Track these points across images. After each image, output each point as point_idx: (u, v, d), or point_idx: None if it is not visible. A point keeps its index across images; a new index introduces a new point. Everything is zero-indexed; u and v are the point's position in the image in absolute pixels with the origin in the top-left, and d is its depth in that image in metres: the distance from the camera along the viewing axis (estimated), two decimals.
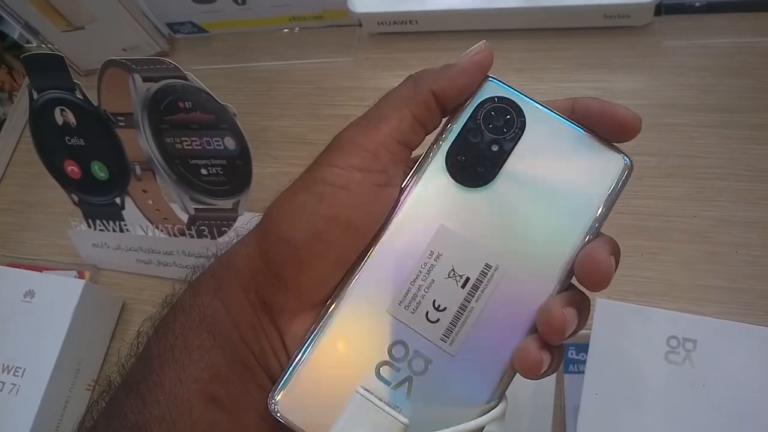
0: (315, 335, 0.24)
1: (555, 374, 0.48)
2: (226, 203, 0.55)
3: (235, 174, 0.53)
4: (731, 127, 0.53)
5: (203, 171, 0.54)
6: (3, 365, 0.55)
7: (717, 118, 0.54)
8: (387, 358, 0.24)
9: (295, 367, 0.24)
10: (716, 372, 0.39)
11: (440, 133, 0.27)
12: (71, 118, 0.56)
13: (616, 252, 0.25)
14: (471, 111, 0.26)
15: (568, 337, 0.24)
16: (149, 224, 0.59)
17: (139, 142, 0.54)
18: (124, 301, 0.62)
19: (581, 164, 0.26)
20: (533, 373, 0.24)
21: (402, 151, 0.26)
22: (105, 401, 0.25)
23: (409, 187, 0.26)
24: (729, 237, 0.50)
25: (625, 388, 0.40)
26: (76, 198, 0.61)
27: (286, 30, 0.72)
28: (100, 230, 0.61)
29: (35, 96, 0.56)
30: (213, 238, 0.57)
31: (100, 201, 0.60)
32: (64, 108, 0.56)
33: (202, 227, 0.57)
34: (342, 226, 0.24)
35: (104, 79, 0.53)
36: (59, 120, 0.56)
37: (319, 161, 0.25)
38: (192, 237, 0.58)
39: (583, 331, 0.45)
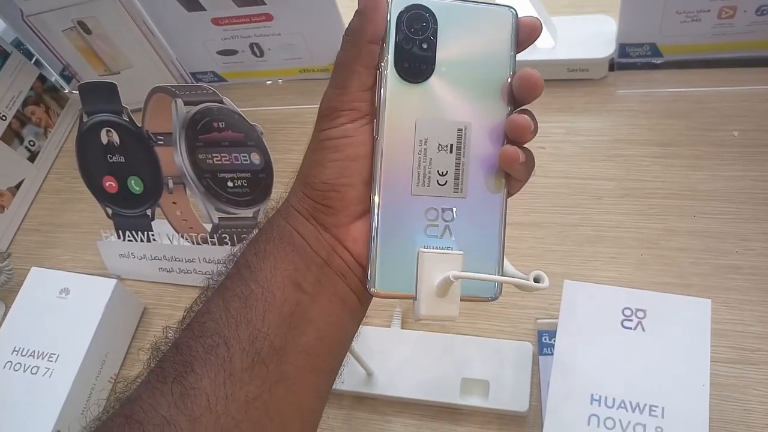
0: (374, 233, 0.33)
1: (532, 357, 0.56)
2: (248, 212, 0.64)
3: (258, 186, 0.62)
4: (673, 158, 0.64)
5: (229, 183, 0.63)
6: (39, 352, 0.61)
7: (661, 151, 0.65)
8: (427, 222, 0.33)
9: (372, 259, 0.33)
10: (663, 335, 0.47)
11: (381, 54, 0.32)
12: (115, 138, 0.65)
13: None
14: (394, 27, 0.32)
15: (529, 138, 0.32)
16: (175, 233, 0.67)
17: (175, 159, 0.63)
18: (145, 306, 0.69)
19: (486, 27, 0.33)
20: (514, 161, 0.32)
21: (369, 94, 0.33)
22: (208, 294, 0.33)
23: (382, 103, 0.32)
24: (675, 243, 0.59)
25: (587, 350, 0.48)
26: (110, 211, 0.69)
27: (296, 80, 0.83)
28: (129, 241, 0.69)
29: (85, 119, 0.65)
30: (233, 245, 0.65)
31: (132, 213, 0.68)
32: (110, 129, 0.64)
33: (224, 235, 0.65)
34: (353, 160, 0.32)
35: (150, 103, 0.62)
36: (104, 139, 0.65)
37: (319, 128, 0.33)
38: (214, 244, 0.65)
39: (552, 320, 0.54)
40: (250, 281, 0.32)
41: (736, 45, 0.67)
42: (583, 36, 0.71)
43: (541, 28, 0.33)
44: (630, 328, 0.49)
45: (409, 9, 0.32)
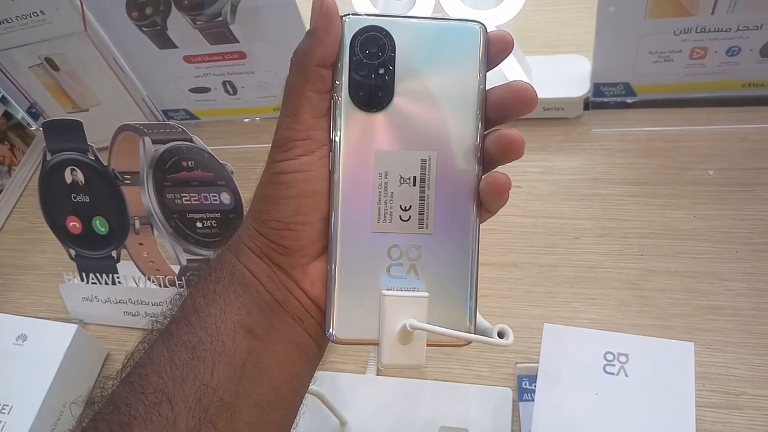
0: (332, 274, 0.30)
1: (512, 403, 0.54)
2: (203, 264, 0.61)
3: (228, 226, 0.60)
4: (650, 197, 0.64)
5: (198, 224, 0.61)
6: None
7: (638, 189, 0.64)
8: (390, 261, 0.31)
9: (330, 304, 0.30)
10: (646, 379, 0.46)
11: (334, 81, 0.30)
12: (80, 177, 0.62)
13: None
14: (347, 52, 0.30)
15: (520, 154, 0.30)
16: (141, 275, 0.65)
17: (142, 198, 0.61)
18: (108, 352, 0.66)
19: (450, 47, 0.30)
20: (505, 188, 0.30)
21: (324, 120, 0.30)
22: (152, 338, 0.31)
23: (337, 134, 0.30)
24: (654, 284, 0.58)
25: (569, 397, 0.46)
26: (73, 252, 0.66)
27: (270, 117, 0.82)
28: (93, 283, 0.66)
29: (49, 157, 0.63)
30: None
31: (97, 254, 0.65)
32: (75, 167, 0.62)
33: (191, 277, 0.62)
34: (309, 196, 0.30)
35: (117, 141, 0.60)
36: (68, 179, 0.63)
37: (272, 159, 0.31)
38: (182, 287, 0.63)
39: (533, 365, 0.52)
40: (197, 328, 0.29)
41: (709, 85, 0.67)
42: (558, 75, 0.71)
43: (513, 41, 0.31)
44: (612, 374, 0.47)
45: (363, 31, 0.30)
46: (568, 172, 0.68)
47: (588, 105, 0.71)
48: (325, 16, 0.29)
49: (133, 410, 0.27)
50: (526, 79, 0.69)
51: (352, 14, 0.31)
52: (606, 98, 0.70)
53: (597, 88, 0.69)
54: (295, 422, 0.32)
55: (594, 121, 0.71)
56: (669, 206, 0.63)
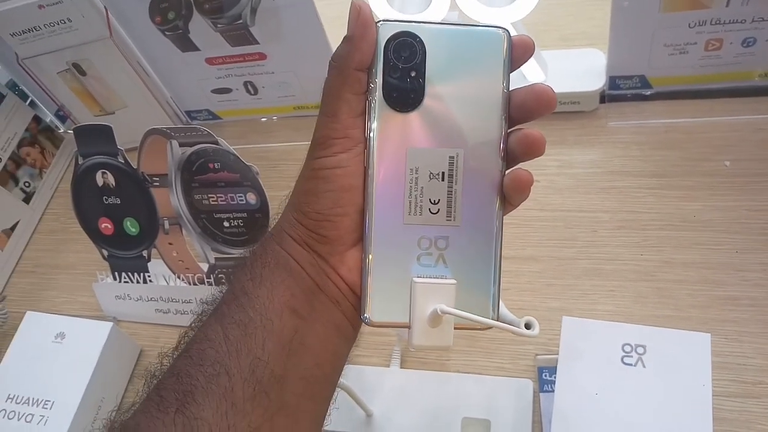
0: (366, 263, 0.33)
1: (533, 394, 0.55)
2: (244, 252, 0.63)
3: (254, 225, 0.62)
4: (667, 189, 0.65)
5: (226, 224, 0.63)
6: (34, 399, 0.60)
7: (655, 182, 0.65)
8: (420, 251, 0.33)
9: (365, 289, 0.33)
10: (663, 370, 0.47)
11: (369, 84, 0.32)
12: (111, 180, 0.65)
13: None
14: (382, 56, 0.32)
15: (541, 152, 0.32)
16: (171, 274, 0.67)
17: (171, 200, 0.63)
18: (141, 348, 0.69)
19: (476, 52, 0.32)
20: (527, 185, 0.32)
21: (361, 120, 0.32)
22: (203, 319, 0.33)
23: (372, 133, 0.32)
24: (672, 275, 0.60)
25: (588, 387, 0.48)
26: (105, 252, 0.68)
27: (289, 116, 0.83)
28: (125, 282, 0.69)
29: (80, 161, 0.65)
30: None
31: (128, 254, 0.68)
32: (106, 171, 0.65)
33: (220, 275, 0.65)
34: (347, 190, 0.32)
35: (145, 145, 0.62)
36: (100, 182, 0.65)
37: (312, 156, 0.33)
38: (210, 285, 0.65)
39: (552, 356, 0.53)
40: (248, 308, 0.32)
41: (725, 76, 0.67)
42: (574, 69, 0.72)
43: (534, 45, 0.33)
44: (630, 365, 0.48)
45: (396, 36, 0.32)
46: (585, 165, 0.69)
47: (604, 98, 0.72)
48: (362, 24, 0.31)
49: (194, 380, 0.30)
50: (542, 76, 0.70)
51: (386, 20, 0.32)
52: (622, 91, 0.71)
53: (612, 81, 0.70)
54: (333, 397, 0.35)
55: (610, 114, 0.71)
56: (686, 198, 0.63)
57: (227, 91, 0.81)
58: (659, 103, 0.70)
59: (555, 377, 0.52)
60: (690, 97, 0.69)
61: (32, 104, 0.88)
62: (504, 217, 0.34)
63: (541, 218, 0.66)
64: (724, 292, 0.57)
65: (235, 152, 0.60)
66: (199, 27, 0.72)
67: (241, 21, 0.71)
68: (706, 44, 0.65)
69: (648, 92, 0.70)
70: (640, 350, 0.49)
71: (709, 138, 0.67)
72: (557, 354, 0.50)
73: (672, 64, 0.67)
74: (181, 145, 0.61)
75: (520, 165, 0.34)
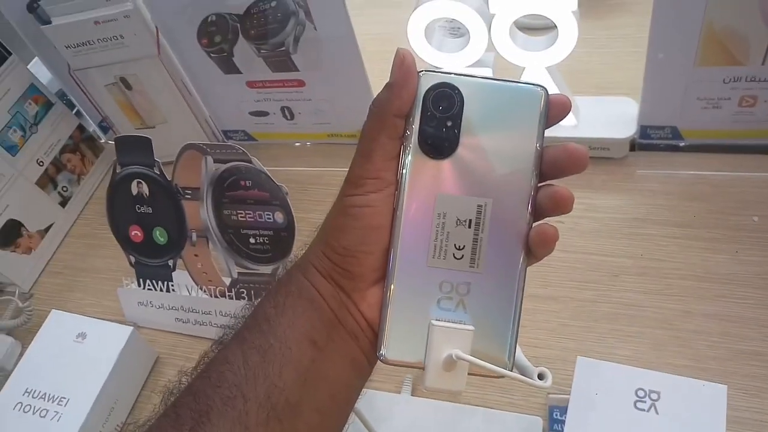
0: (387, 301, 0.33)
1: None
2: (267, 269, 0.65)
3: (279, 244, 0.63)
4: (691, 239, 0.64)
5: (252, 240, 0.64)
6: (50, 395, 0.61)
7: (680, 231, 0.65)
8: (441, 294, 0.33)
9: (383, 327, 0.33)
10: (676, 418, 0.47)
11: (405, 130, 0.33)
12: (145, 189, 0.67)
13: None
14: (421, 105, 0.33)
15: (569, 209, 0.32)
16: (194, 285, 0.68)
17: (200, 213, 0.65)
18: (158, 355, 0.70)
19: (514, 107, 0.33)
20: (552, 240, 0.32)
21: (394, 163, 0.33)
22: (224, 340, 0.34)
23: (404, 177, 0.33)
24: (692, 326, 0.59)
25: (599, 430, 0.47)
26: (132, 259, 0.70)
27: (323, 143, 0.85)
28: (148, 289, 0.70)
29: (118, 169, 0.67)
30: (250, 300, 0.65)
31: (154, 262, 0.69)
32: (141, 180, 0.67)
33: (241, 290, 0.66)
34: (374, 229, 0.34)
35: (181, 159, 0.64)
36: (134, 190, 0.67)
37: (344, 193, 0.34)
38: (231, 299, 0.66)
39: (564, 396, 0.53)
40: (269, 335, 0.32)
41: (757, 132, 0.68)
42: (606, 116, 0.73)
43: (571, 105, 0.34)
44: (643, 410, 0.48)
45: (436, 87, 0.33)
46: (610, 210, 0.69)
47: (634, 146, 0.72)
48: (405, 73, 0.33)
49: (211, 401, 0.31)
50: (574, 121, 0.71)
51: (427, 71, 0.34)
52: (653, 140, 0.71)
53: (644, 131, 0.71)
54: (345, 429, 0.35)
55: (639, 162, 0.72)
56: (710, 249, 0.63)
57: (265, 114, 0.84)
58: (689, 154, 0.71)
59: (565, 417, 0.52)
60: (721, 151, 0.70)
61: (78, 113, 0.92)
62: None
63: (562, 259, 0.66)
64: (746, 346, 0.57)
65: (267, 172, 0.61)
66: (243, 51, 0.75)
67: (283, 48, 0.73)
68: (740, 100, 0.65)
69: (680, 143, 0.71)
70: (654, 396, 0.48)
71: (738, 192, 0.67)
72: (569, 394, 0.50)
73: (704, 117, 0.68)
74: (215, 161, 0.63)
75: (546, 220, 0.34)
